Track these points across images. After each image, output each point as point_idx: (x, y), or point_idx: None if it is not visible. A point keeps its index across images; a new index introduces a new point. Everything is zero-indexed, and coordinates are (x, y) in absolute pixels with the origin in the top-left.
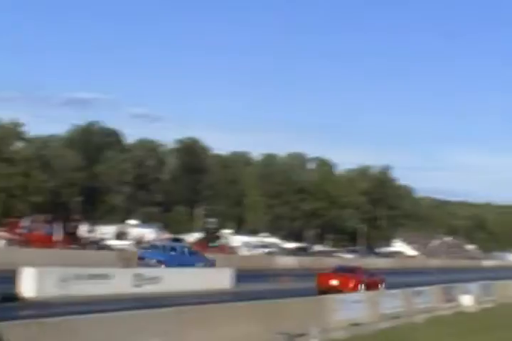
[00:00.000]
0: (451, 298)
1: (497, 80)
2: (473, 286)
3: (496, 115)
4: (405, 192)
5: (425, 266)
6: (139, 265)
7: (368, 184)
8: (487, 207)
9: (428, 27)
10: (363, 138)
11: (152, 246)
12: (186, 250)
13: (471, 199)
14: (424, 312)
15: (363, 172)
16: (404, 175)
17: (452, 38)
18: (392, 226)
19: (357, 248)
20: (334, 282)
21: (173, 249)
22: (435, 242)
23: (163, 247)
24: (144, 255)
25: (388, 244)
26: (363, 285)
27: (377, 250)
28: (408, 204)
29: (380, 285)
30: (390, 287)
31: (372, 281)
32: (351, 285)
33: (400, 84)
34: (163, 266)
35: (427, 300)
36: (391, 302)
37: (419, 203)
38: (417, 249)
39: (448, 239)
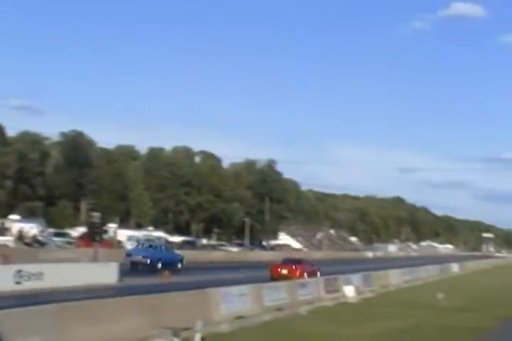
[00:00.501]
0: (334, 289)
1: (378, 79)
2: (355, 277)
3: (379, 111)
4: (290, 186)
5: (310, 258)
6: (126, 261)
7: (253, 178)
8: (369, 199)
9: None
10: (247, 131)
11: (137, 245)
12: (163, 247)
13: (354, 192)
14: (307, 303)
15: (248, 166)
16: (289, 169)
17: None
18: (277, 219)
19: (243, 241)
20: (284, 271)
21: (153, 246)
22: (320, 235)
23: (147, 245)
24: (131, 252)
25: (275, 238)
26: (305, 273)
27: (264, 243)
28: (293, 198)
29: (318, 273)
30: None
31: (312, 270)
32: (297, 273)
33: (277, 79)
34: (148, 260)
35: (311, 291)
36: (275, 294)
37: (304, 197)
38: (302, 242)
39: (332, 231)
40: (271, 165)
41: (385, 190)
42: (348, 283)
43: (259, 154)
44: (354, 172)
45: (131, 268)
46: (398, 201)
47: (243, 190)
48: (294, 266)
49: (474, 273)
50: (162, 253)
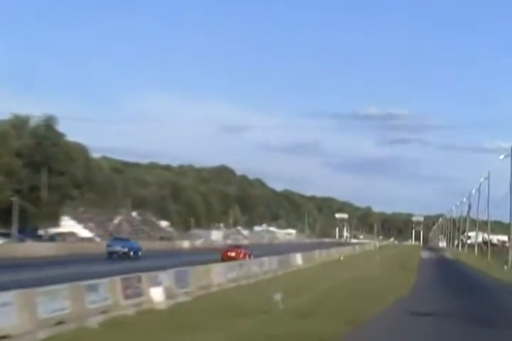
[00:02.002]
0: (136, 293)
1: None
2: (165, 275)
3: (196, 54)
4: (77, 152)
5: (102, 250)
6: (108, 251)
7: (24, 141)
8: (184, 170)
9: None
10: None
11: (115, 238)
12: (132, 241)
13: (164, 160)
14: (100, 313)
15: (16, 125)
16: (75, 129)
17: None
18: (59, 199)
19: (9, 230)
20: (232, 254)
21: (126, 239)
22: (118, 219)
23: (121, 239)
24: (111, 243)
25: (56, 224)
26: (248, 255)
27: (41, 232)
28: (81, 169)
29: (251, 256)
30: (54, 281)
31: (249, 254)
32: (241, 255)
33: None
34: (126, 249)
35: (104, 296)
36: (54, 303)
37: (96, 167)
38: (94, 229)
39: (134, 214)
40: (49, 123)
41: (206, 156)
42: (156, 283)
43: (32, 109)
44: (164, 134)
45: (108, 256)
46: (224, 172)
47: (9, 158)
48: (238, 250)
49: (322, 266)
50: (132, 244)
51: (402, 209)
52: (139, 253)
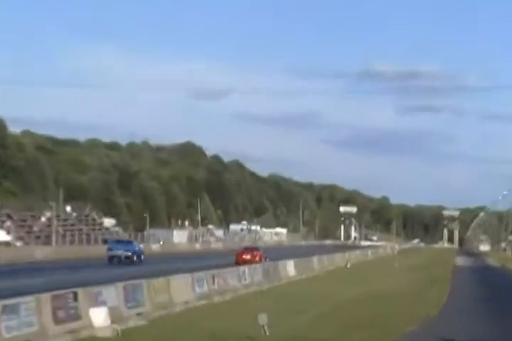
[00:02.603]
0: (71, 315)
1: None
2: (110, 291)
3: None
4: None
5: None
6: (109, 255)
7: None
8: (137, 150)
9: None
10: None
11: (117, 241)
12: (134, 242)
13: (109, 137)
14: None
15: None
16: None
17: None
18: None
19: None
20: (248, 256)
21: (129, 242)
22: (46, 216)
23: (123, 241)
24: (113, 247)
25: None
26: (264, 258)
27: None
28: None
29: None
30: None
31: (265, 257)
32: (257, 258)
33: None
34: (129, 253)
35: (28, 321)
36: None
37: (15, 145)
38: (13, 230)
39: (68, 208)
40: None
41: (166, 132)
42: (98, 302)
43: None
44: (110, 102)
45: (109, 261)
46: (191, 151)
47: None
48: (255, 253)
49: (322, 278)
50: (135, 247)
51: (430, 200)
52: (142, 257)
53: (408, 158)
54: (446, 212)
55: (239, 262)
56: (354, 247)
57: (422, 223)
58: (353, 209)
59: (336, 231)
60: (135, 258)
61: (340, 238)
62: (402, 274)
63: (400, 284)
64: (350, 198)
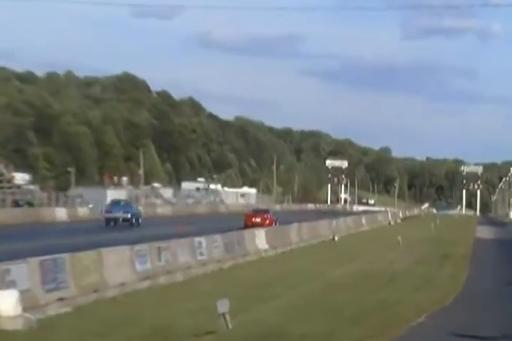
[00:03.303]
0: None
1: None
2: (22, 269)
3: None
4: None
5: None
6: (106, 217)
7: None
8: (57, 83)
9: None
10: None
11: (113, 202)
12: (130, 203)
13: (17, 65)
14: None
15: None
16: None
17: None
18: None
19: None
20: (258, 219)
21: (127, 202)
22: None
23: (121, 202)
24: (111, 209)
25: None
26: (274, 221)
27: None
28: None
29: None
30: None
31: (275, 220)
32: (267, 221)
33: None
34: (129, 215)
35: None
36: None
37: None
38: None
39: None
40: None
41: (96, 60)
42: (5, 283)
43: None
44: (13, 18)
45: (106, 224)
46: (130, 86)
47: None
48: (265, 215)
49: (302, 252)
50: (133, 208)
51: (444, 152)
52: (140, 220)
53: (416, 97)
54: (466, 169)
55: (248, 225)
56: (344, 213)
57: (434, 183)
58: (344, 164)
59: (320, 192)
60: (134, 220)
61: (326, 201)
62: (407, 249)
63: (403, 262)
64: (339, 150)
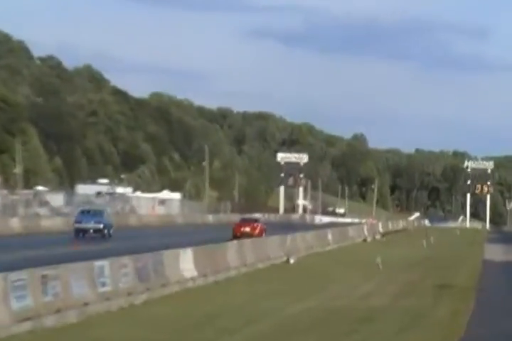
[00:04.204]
0: None
1: None
2: None
3: None
4: None
5: None
6: (76, 228)
7: None
8: None
9: None
10: None
11: (83, 211)
12: (103, 212)
13: None
14: None
15: None
16: None
17: None
18: None
19: None
20: (247, 229)
21: (99, 211)
22: None
23: (94, 211)
24: (81, 218)
25: None
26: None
27: None
28: None
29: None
30: None
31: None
32: (257, 231)
33: None
34: (101, 225)
35: None
36: None
37: None
38: None
39: None
40: None
41: None
42: None
43: None
44: None
45: (75, 235)
46: None
47: None
48: (255, 224)
49: (244, 283)
50: (106, 218)
51: (440, 143)
52: (111, 231)
53: (402, 66)
54: (470, 165)
55: (236, 236)
56: (304, 227)
57: (426, 184)
58: (302, 159)
59: (270, 198)
60: (106, 231)
61: (278, 210)
62: (389, 277)
63: (384, 295)
64: (296, 139)
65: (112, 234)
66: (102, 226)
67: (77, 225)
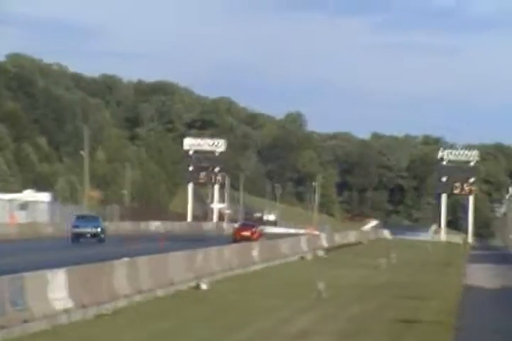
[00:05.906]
0: None
1: None
2: None
3: None
4: None
5: None
6: (74, 232)
7: None
8: None
9: None
10: None
11: (80, 217)
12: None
13: None
14: None
15: None
16: None
17: None
18: None
19: None
20: (247, 233)
21: (94, 217)
22: None
23: (90, 217)
24: (78, 223)
25: None
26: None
27: None
28: None
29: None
30: None
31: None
32: (256, 235)
33: None
34: (98, 229)
35: None
36: None
37: None
38: None
39: None
40: None
41: None
42: None
43: None
44: None
45: (73, 240)
46: None
47: None
48: (253, 229)
49: (138, 320)
50: (100, 222)
51: (405, 125)
52: (104, 235)
53: (353, 22)
54: (446, 155)
55: (237, 239)
56: (220, 240)
57: (386, 181)
58: (218, 145)
59: (174, 200)
60: (102, 235)
61: (185, 217)
62: (335, 308)
63: (326, 334)
64: (209, 118)
65: (104, 239)
66: (99, 230)
67: (75, 230)
